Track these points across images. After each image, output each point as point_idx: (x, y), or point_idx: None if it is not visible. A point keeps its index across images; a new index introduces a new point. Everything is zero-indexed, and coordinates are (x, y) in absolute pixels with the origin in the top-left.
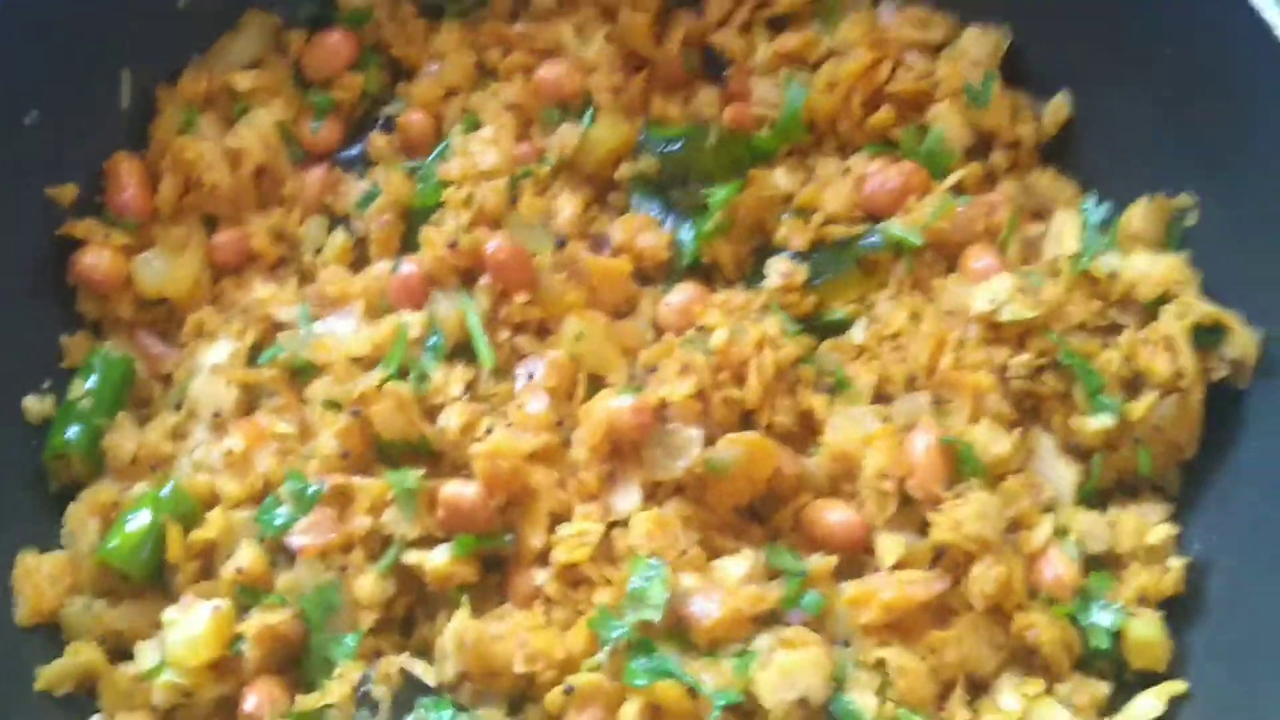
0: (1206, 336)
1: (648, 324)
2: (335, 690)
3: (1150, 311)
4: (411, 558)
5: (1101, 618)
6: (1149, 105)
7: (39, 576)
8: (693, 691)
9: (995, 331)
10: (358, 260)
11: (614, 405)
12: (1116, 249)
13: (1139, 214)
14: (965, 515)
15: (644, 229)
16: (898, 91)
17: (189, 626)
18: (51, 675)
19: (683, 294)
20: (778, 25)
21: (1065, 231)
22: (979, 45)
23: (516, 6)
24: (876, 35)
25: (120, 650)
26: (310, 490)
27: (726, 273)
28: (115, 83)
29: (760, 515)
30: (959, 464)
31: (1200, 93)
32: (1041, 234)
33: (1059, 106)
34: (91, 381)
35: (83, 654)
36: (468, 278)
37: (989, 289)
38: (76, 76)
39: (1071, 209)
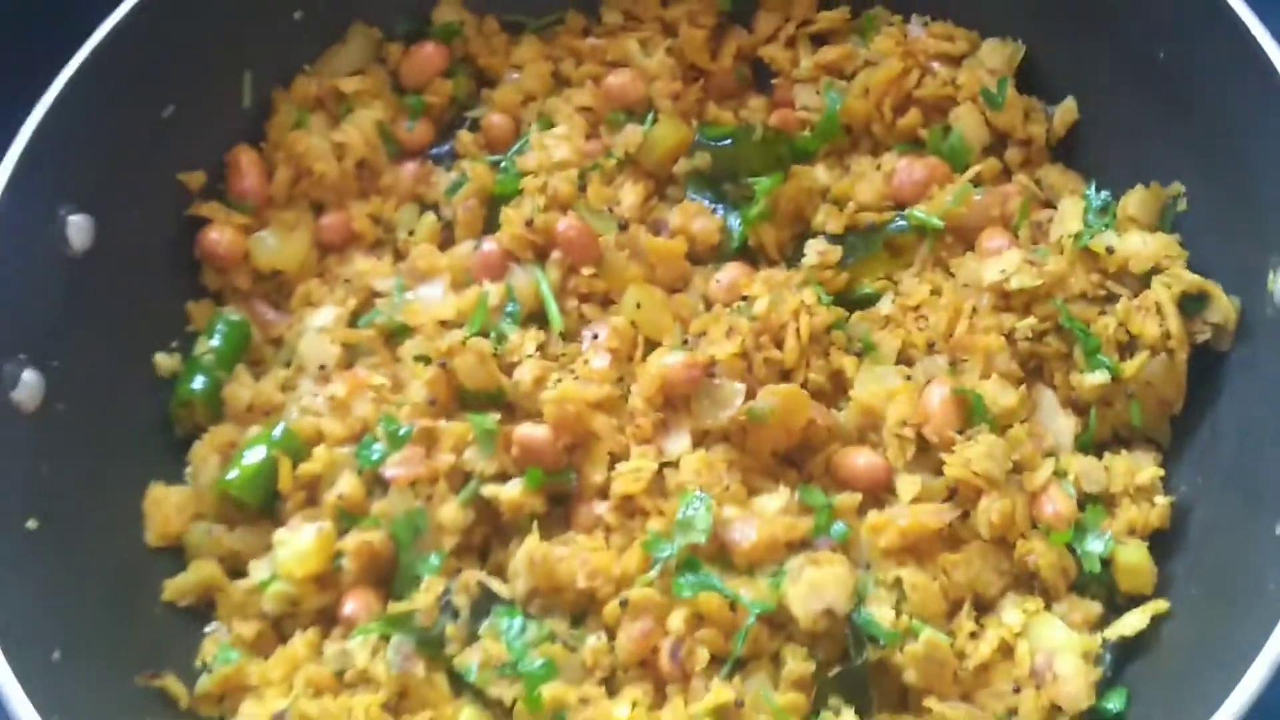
0: (1192, 304)
1: (699, 298)
2: (421, 599)
3: (1143, 282)
4: (488, 490)
5: (1094, 546)
6: (1146, 108)
7: (166, 505)
8: (732, 605)
9: (1005, 300)
10: (445, 242)
11: (668, 361)
12: (1114, 229)
13: (1135, 200)
14: (975, 454)
15: (698, 215)
16: (924, 96)
17: (297, 543)
18: (176, 588)
19: (730, 272)
20: (819, 41)
21: (1069, 215)
22: (996, 56)
23: (588, 24)
24: (906, 47)
25: (236, 570)
26: (402, 431)
27: (770, 255)
28: (239, 85)
29: (795, 462)
30: (970, 412)
31: (1189, 95)
32: (1050, 219)
33: (1068, 110)
34: (214, 340)
35: (203, 570)
36: (541, 254)
37: (1000, 262)
38: (207, 78)
39: (1076, 196)
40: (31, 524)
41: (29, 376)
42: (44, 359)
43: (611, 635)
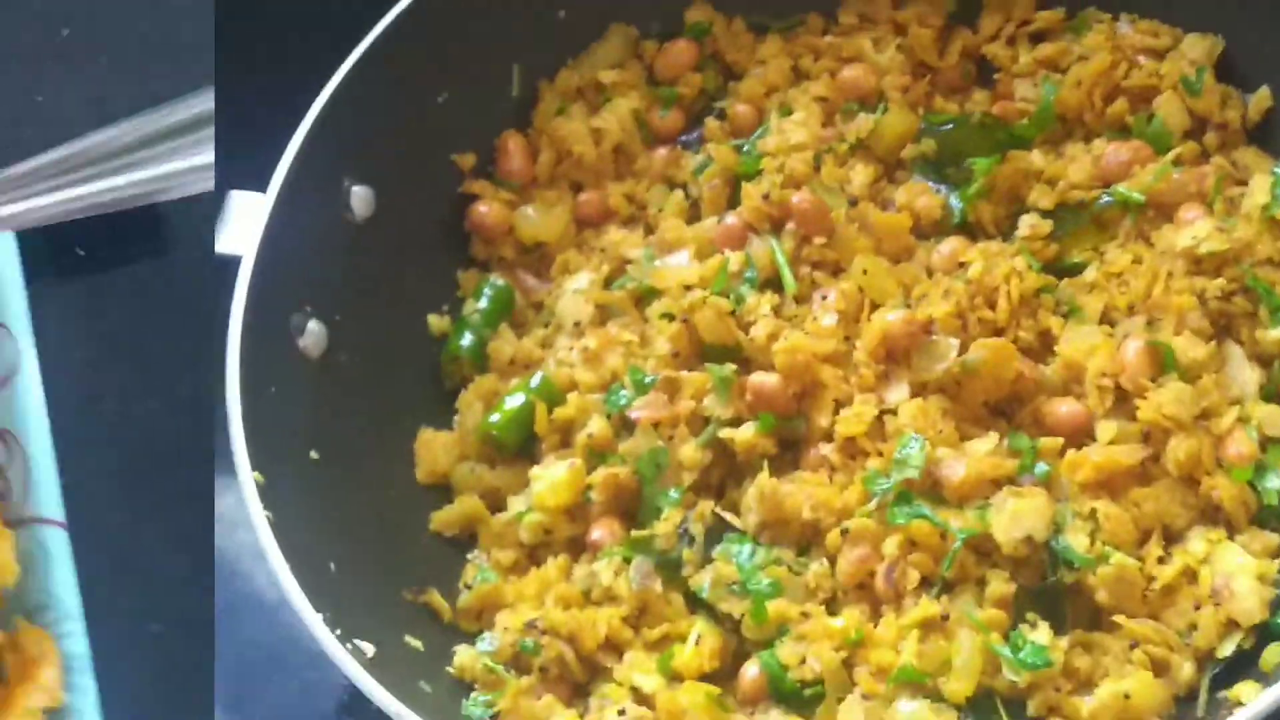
0: None
1: (921, 268)
2: (661, 528)
3: None
4: (725, 433)
5: (1274, 482)
6: None
7: (435, 446)
8: (942, 533)
9: (1197, 264)
10: (691, 218)
11: (889, 317)
12: None
13: None
14: (1165, 399)
15: (922, 194)
16: (1130, 86)
17: (551, 477)
18: (442, 520)
19: (951, 244)
20: (1037, 38)
21: (1258, 189)
22: (1196, 49)
23: (827, 24)
24: (1115, 43)
25: (496, 505)
26: (647, 379)
27: (987, 229)
28: (508, 75)
29: (1005, 413)
30: (1162, 363)
31: None
32: (1242, 194)
33: (1262, 98)
34: (481, 302)
35: (467, 504)
36: (777, 226)
37: (1192, 230)
38: (478, 68)
39: (1265, 173)
40: (314, 454)
41: (314, 327)
42: (328, 313)
43: (833, 562)
